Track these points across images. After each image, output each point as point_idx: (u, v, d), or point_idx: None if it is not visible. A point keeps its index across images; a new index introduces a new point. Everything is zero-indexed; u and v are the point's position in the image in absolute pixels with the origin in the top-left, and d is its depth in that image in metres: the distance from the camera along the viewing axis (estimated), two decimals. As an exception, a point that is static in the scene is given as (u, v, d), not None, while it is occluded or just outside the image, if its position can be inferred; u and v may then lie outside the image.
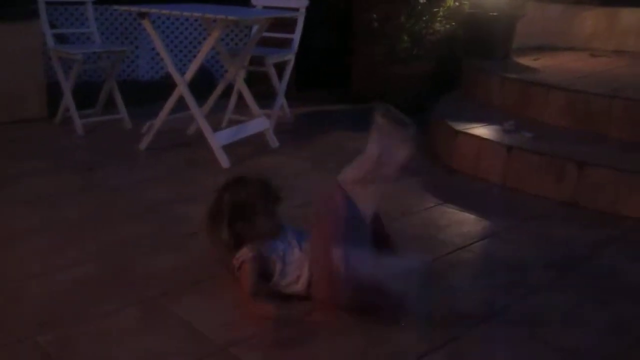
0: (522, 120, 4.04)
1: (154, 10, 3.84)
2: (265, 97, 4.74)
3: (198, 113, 3.93)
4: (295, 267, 2.27)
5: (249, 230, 2.33)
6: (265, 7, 4.72)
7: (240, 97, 4.47)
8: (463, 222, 3.10)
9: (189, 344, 2.01)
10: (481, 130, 3.87)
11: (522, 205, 3.38)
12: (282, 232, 2.36)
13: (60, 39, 5.18)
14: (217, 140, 3.86)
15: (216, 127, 4.17)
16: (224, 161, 3.80)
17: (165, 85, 4.45)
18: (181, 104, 3.98)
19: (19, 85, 4.59)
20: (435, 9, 5.32)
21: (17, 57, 4.54)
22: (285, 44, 4.78)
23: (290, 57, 4.69)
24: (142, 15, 3.83)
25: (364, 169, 2.21)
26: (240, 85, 4.38)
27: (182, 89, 3.91)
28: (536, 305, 2.34)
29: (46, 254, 2.59)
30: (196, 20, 5.92)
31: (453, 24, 5.34)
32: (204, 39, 5.82)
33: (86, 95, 4.77)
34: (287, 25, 4.73)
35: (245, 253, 2.28)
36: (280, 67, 4.70)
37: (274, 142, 4.27)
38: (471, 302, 2.33)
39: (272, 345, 2.04)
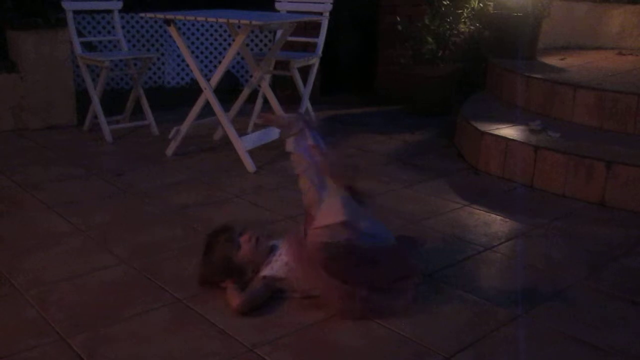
0: (548, 120, 4.01)
1: (179, 16, 3.88)
2: (290, 101, 4.75)
3: (224, 118, 3.96)
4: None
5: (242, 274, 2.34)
6: (289, 12, 4.74)
7: (266, 101, 4.50)
8: (490, 223, 3.09)
9: (217, 345, 2.03)
10: (507, 131, 3.85)
11: (549, 205, 3.35)
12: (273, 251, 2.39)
13: (88, 47, 5.27)
14: (243, 144, 3.89)
15: (242, 132, 4.20)
16: (249, 165, 3.83)
17: (192, 91, 4.50)
18: (207, 110, 4.02)
19: (50, 93, 4.69)
20: (459, 11, 5.31)
21: (47, 65, 4.63)
22: (309, 47, 4.81)
23: (314, 60, 4.70)
24: (168, 21, 3.88)
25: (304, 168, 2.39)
26: (266, 89, 4.40)
27: (208, 94, 3.95)
28: (566, 305, 2.31)
29: (77, 257, 2.63)
30: (221, 25, 5.98)
31: (478, 25, 5.32)
32: (229, 44, 5.88)
33: (114, 102, 4.85)
34: (311, 29, 4.75)
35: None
36: (305, 71, 4.72)
37: (299, 145, 4.28)
38: (499, 302, 2.31)
39: (299, 346, 2.05)
